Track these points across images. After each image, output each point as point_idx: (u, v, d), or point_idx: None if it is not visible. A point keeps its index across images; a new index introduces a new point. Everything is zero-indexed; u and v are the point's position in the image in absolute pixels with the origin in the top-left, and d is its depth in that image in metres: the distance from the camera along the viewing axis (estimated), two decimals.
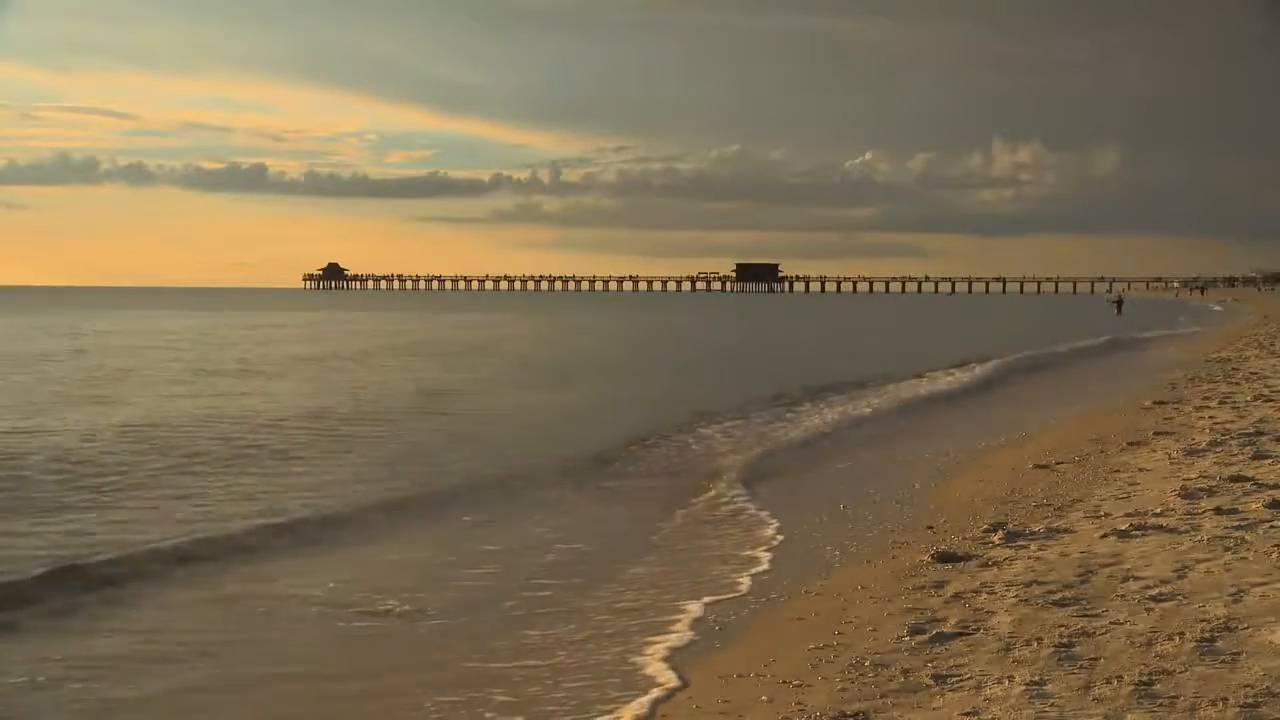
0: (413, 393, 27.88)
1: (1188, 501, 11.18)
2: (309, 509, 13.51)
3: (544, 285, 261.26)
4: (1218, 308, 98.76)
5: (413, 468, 16.64)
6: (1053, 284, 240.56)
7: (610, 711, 7.25)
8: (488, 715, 7.29)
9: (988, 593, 8.67)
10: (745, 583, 10.29)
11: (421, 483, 15.37)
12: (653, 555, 11.56)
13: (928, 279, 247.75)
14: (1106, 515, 11.04)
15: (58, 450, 17.42)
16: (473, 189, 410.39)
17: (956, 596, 8.70)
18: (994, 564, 9.61)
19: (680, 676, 7.76)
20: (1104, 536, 10.09)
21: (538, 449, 18.45)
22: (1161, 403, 20.80)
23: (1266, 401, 19.53)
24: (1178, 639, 7.04)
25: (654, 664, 8.10)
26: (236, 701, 7.61)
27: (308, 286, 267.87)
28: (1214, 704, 6.00)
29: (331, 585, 10.30)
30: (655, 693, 7.49)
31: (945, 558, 10.01)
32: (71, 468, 15.99)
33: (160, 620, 9.37)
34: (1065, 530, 10.61)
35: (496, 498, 14.57)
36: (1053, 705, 6.20)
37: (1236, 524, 10.02)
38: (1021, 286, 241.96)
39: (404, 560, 11.43)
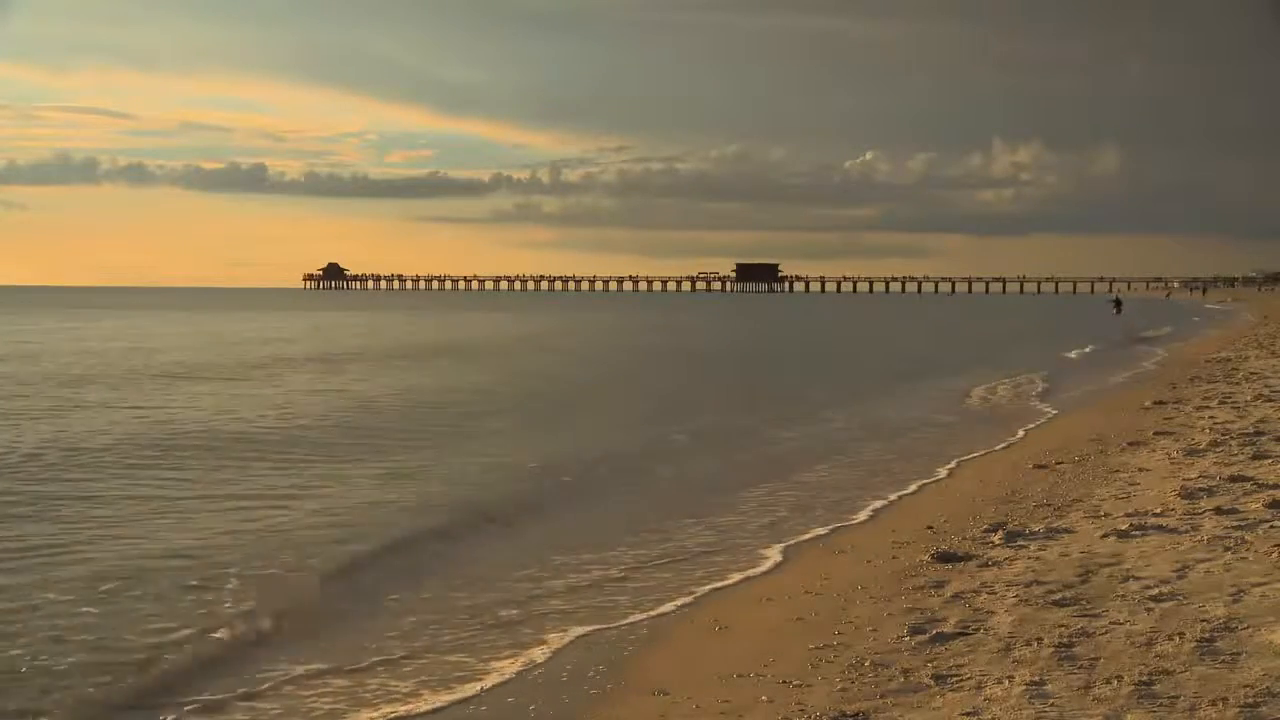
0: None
1: (1188, 501, 11.19)
2: None
3: (544, 285, 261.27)
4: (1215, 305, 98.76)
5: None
6: (1053, 284, 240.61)
7: (613, 712, 7.26)
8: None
9: (988, 593, 8.67)
10: (745, 582, 10.31)
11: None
12: (654, 551, 11.56)
13: (928, 279, 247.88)
14: (1106, 515, 11.04)
15: None
16: (473, 189, 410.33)
17: (956, 596, 8.70)
18: (994, 564, 9.61)
19: (681, 675, 7.76)
20: (1104, 536, 10.09)
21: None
22: (1161, 403, 20.81)
23: (1266, 401, 19.54)
24: (1178, 639, 7.04)
25: (655, 663, 8.11)
26: None
27: (308, 286, 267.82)
28: (1214, 704, 6.00)
29: None
30: (656, 692, 7.49)
31: (945, 558, 10.01)
32: None
33: None
34: (1065, 530, 10.61)
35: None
36: (1053, 705, 6.20)
37: (1236, 524, 10.02)
38: (1021, 286, 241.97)
39: None
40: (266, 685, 7.87)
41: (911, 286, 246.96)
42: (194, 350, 44.52)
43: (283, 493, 14.45)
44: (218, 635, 8.78)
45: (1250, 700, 6.00)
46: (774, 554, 11.40)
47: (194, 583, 10.11)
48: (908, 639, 7.76)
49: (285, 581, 10.24)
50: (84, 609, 9.31)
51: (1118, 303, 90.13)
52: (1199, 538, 9.65)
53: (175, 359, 38.88)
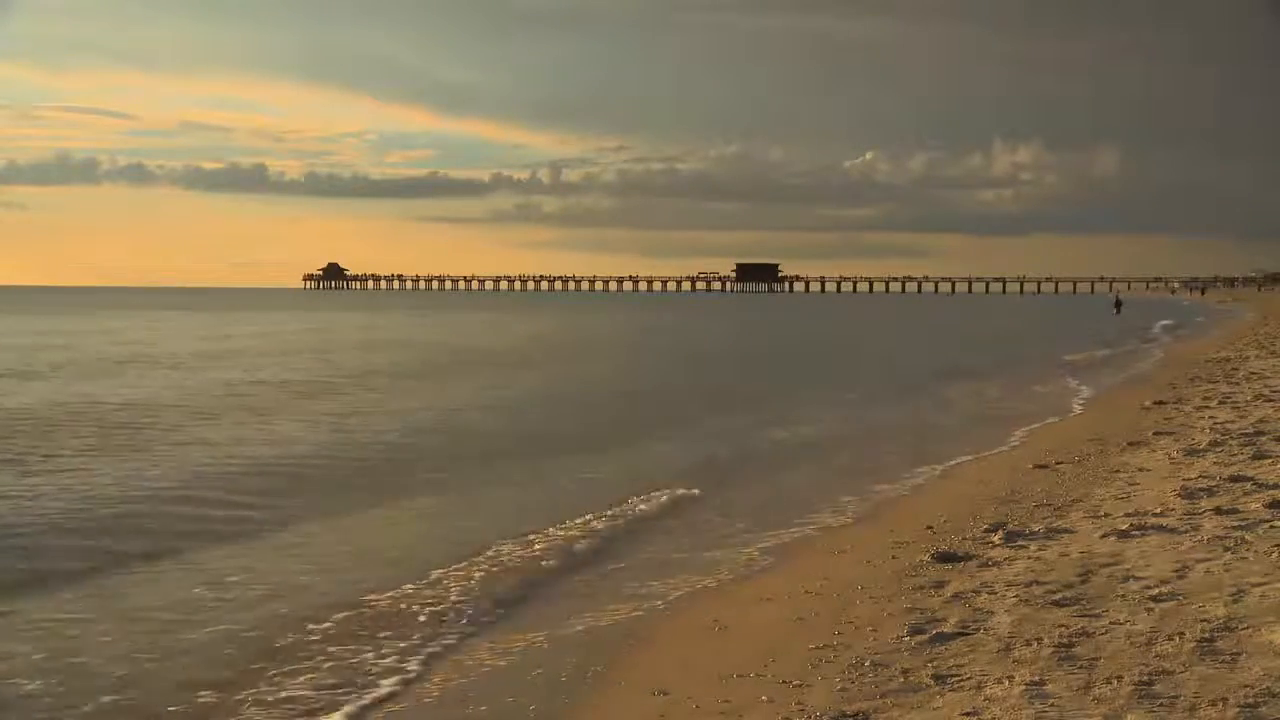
0: None
1: (1188, 501, 11.18)
2: None
3: (544, 285, 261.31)
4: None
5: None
6: (1053, 284, 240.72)
7: (613, 712, 7.26)
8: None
9: (988, 593, 8.66)
10: (744, 582, 10.31)
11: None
12: (651, 552, 11.56)
13: (928, 279, 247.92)
14: (1106, 515, 11.03)
15: None
16: (473, 189, 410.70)
17: (956, 596, 8.69)
18: (994, 564, 9.60)
19: (681, 675, 7.76)
20: (1104, 536, 10.08)
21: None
22: (1161, 403, 20.80)
23: (1266, 401, 19.52)
24: (1178, 639, 7.03)
25: (655, 663, 8.10)
26: None
27: (308, 286, 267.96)
28: (1214, 704, 5.99)
29: None
30: (656, 692, 7.49)
31: (945, 558, 10.00)
32: None
33: None
34: (1065, 530, 10.60)
35: None
36: (1053, 705, 6.19)
37: (1236, 524, 10.01)
38: (1021, 286, 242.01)
39: None
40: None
41: (911, 286, 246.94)
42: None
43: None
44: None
45: (1250, 700, 5.99)
46: (773, 554, 11.41)
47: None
48: (908, 639, 7.75)
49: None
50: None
51: (1118, 303, 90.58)
52: (1199, 538, 9.64)
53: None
